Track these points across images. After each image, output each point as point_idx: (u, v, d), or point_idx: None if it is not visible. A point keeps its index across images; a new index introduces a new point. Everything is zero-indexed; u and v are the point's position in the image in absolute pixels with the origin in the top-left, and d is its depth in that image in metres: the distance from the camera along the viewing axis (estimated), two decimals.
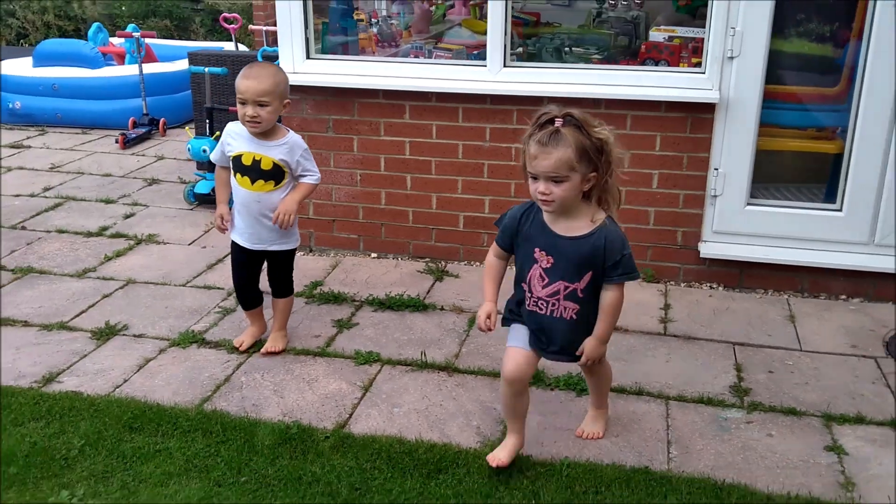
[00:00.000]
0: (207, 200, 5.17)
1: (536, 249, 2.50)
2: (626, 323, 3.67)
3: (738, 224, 4.01)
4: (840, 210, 3.93)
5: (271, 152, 3.16)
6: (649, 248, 4.14)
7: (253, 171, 3.17)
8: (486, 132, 4.12)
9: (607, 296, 2.49)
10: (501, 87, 4.02)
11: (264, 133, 3.16)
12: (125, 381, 3.22)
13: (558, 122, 2.31)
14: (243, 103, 3.07)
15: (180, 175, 5.89)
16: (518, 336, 2.61)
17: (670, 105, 3.91)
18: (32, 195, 5.45)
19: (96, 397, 3.06)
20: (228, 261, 4.26)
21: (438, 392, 3.14)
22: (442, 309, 3.83)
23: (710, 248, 4.04)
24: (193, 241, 4.69)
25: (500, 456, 2.63)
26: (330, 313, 3.81)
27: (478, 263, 4.32)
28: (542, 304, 2.53)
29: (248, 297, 3.42)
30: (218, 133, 4.94)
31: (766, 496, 2.55)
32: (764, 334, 3.61)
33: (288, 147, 3.18)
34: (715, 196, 3.99)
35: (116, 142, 6.68)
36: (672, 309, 3.86)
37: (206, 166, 5.27)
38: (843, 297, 3.96)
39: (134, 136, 6.75)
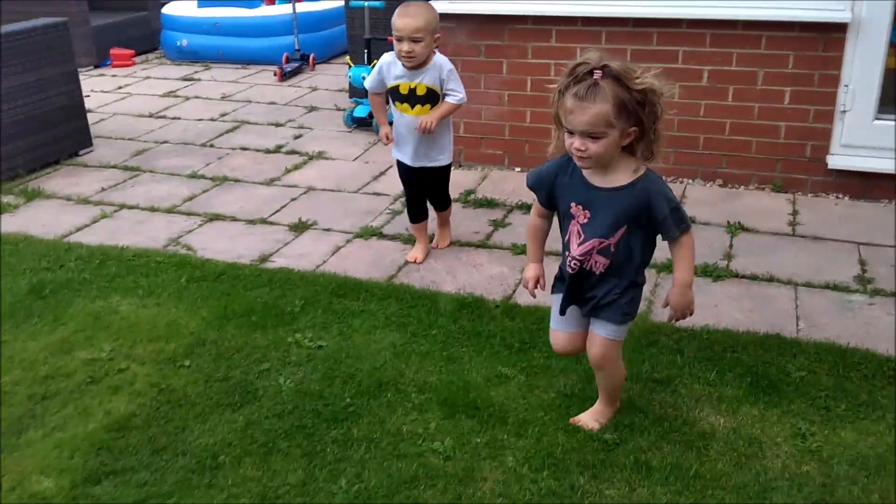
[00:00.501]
0: (364, 123, 5.77)
1: (573, 204, 2.37)
2: (756, 225, 4.06)
3: (865, 138, 4.28)
4: None
5: (423, 79, 3.55)
6: (779, 161, 4.46)
7: (411, 98, 3.60)
8: (627, 53, 4.51)
9: (678, 246, 2.35)
10: (643, 10, 4.39)
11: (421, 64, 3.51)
12: (323, 262, 3.86)
13: (597, 75, 2.16)
14: (399, 40, 3.42)
15: (335, 103, 6.52)
16: (555, 317, 2.61)
17: (804, 25, 4.19)
18: (213, 119, 6.19)
19: (305, 272, 3.72)
20: (390, 172, 4.85)
21: None
22: None
23: (837, 161, 4.34)
24: (356, 158, 5.30)
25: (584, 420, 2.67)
26: (485, 215, 4.34)
27: None
28: (574, 263, 2.41)
29: (416, 210, 3.88)
30: (375, 61, 5.49)
31: (885, 358, 2.94)
32: (887, 236, 3.92)
33: (436, 70, 3.58)
34: (844, 111, 4.27)
35: (274, 75, 7.38)
36: (800, 214, 4.20)
37: (362, 93, 5.85)
38: None
39: (289, 69, 7.43)
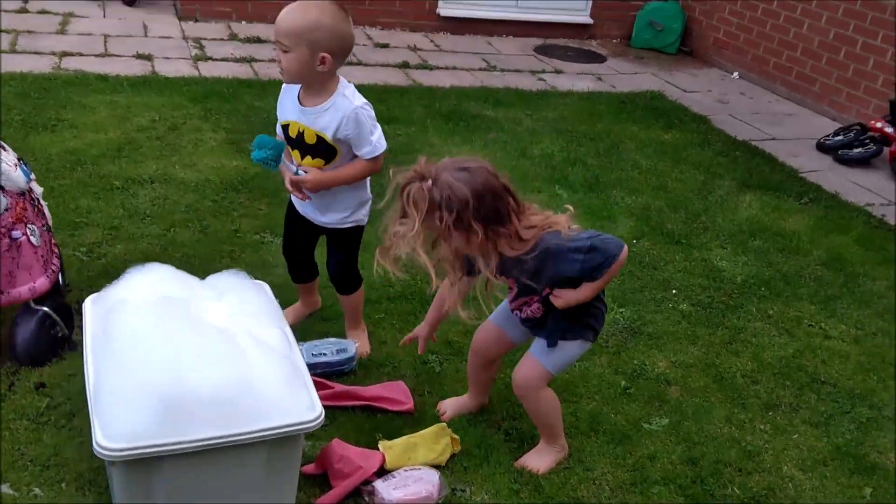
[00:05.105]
0: None
1: None
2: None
3: None
4: None
5: (315, 122, 2.41)
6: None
7: (300, 145, 2.47)
8: None
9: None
10: None
11: (309, 94, 2.41)
12: None
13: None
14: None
15: None
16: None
17: None
18: None
19: None
20: None
21: None
22: None
23: (444, 11, 6.54)
24: None
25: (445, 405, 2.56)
26: None
27: None
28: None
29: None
30: None
31: None
32: None
33: (332, 112, 2.39)
34: None
35: None
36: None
37: None
38: None
39: None
